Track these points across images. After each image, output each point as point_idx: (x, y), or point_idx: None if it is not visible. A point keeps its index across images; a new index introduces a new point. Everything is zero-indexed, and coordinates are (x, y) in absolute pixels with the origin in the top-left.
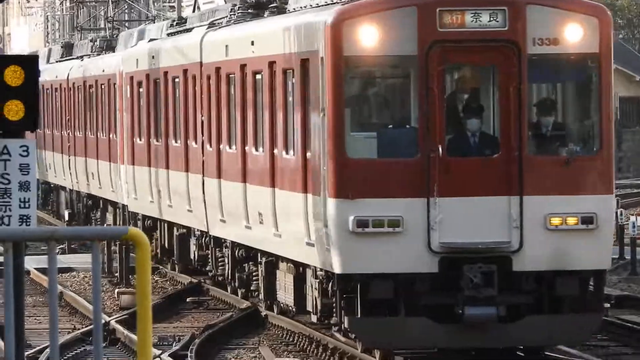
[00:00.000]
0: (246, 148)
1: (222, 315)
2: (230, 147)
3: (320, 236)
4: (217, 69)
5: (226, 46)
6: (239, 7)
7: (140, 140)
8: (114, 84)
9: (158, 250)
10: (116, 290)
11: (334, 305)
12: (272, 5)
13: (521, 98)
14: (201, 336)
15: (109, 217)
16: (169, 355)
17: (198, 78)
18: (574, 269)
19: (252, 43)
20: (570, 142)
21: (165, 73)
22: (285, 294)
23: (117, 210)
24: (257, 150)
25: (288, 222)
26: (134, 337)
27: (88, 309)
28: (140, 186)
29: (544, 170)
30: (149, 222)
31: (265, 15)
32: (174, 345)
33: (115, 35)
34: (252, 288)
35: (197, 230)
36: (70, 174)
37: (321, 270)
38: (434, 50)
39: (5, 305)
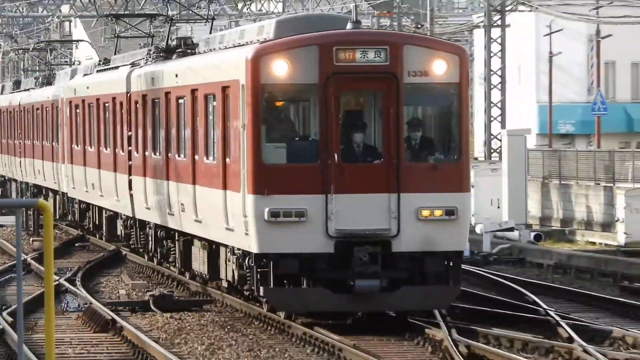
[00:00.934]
0: (169, 154)
1: (97, 255)
2: (155, 154)
3: (239, 223)
4: (144, 96)
5: (152, 78)
6: (153, 52)
7: (77, 146)
8: (57, 107)
9: (90, 225)
10: (31, 239)
11: (248, 276)
12: (178, 50)
13: (398, 118)
14: (84, 268)
15: (50, 200)
16: (65, 280)
17: (125, 103)
18: (438, 250)
19: (176, 75)
20: (437, 152)
21: (98, 99)
22: (200, 265)
23: (57, 195)
24: (179, 156)
25: (208, 211)
26: (42, 268)
27: (13, 251)
28: (77, 179)
29: (416, 173)
30: (83, 205)
31: (173, 57)
32: (67, 273)
33: (52, 74)
34: (170, 259)
35: (124, 214)
36: (21, 170)
37: (239, 249)
38: (331, 80)
39: None
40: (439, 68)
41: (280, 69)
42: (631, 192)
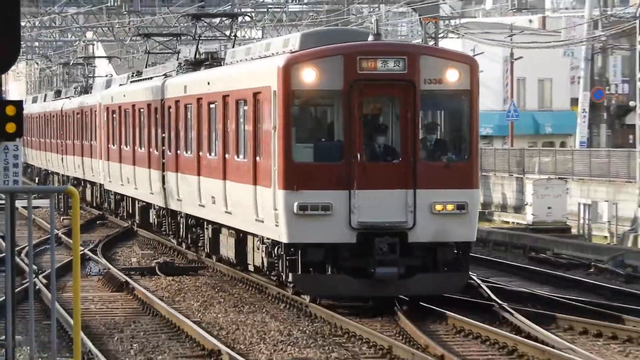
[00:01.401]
0: (200, 153)
1: (114, 231)
2: (186, 153)
3: (269, 215)
4: (176, 102)
5: (184, 86)
6: (183, 64)
7: (113, 146)
8: (95, 111)
9: (124, 214)
10: (62, 217)
11: (276, 264)
12: (206, 62)
13: (415, 121)
14: (104, 240)
15: (88, 191)
16: (88, 250)
17: (159, 109)
18: (450, 241)
19: (208, 83)
20: (449, 152)
21: (133, 105)
22: (228, 251)
23: (94, 187)
24: (210, 154)
25: (238, 204)
26: (70, 240)
27: (48, 227)
28: (113, 174)
29: (431, 171)
30: (118, 196)
31: (201, 69)
32: (90, 244)
33: (90, 85)
34: (199, 245)
35: (157, 205)
36: (63, 165)
37: (268, 239)
38: (355, 86)
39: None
40: (452, 76)
41: (308, 76)
42: (537, 182)
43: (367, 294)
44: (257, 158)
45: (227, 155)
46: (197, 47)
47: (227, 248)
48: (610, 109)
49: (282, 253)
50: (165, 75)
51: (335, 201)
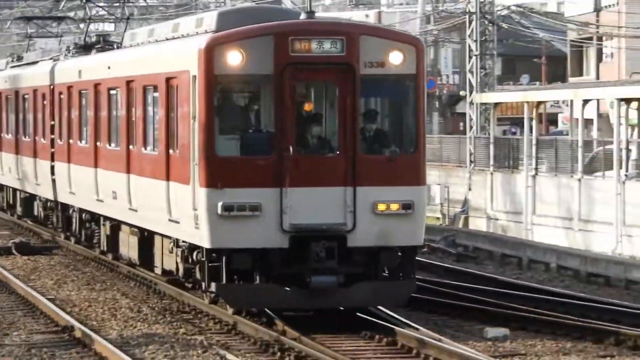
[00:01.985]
0: (98, 143)
1: None
2: (80, 142)
3: (187, 216)
4: (69, 87)
5: (79, 71)
6: (73, 48)
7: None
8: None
9: (4, 204)
10: None
11: (194, 270)
12: (98, 46)
13: (355, 109)
14: None
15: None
16: None
17: (48, 95)
18: (394, 245)
19: (109, 67)
20: (393, 144)
21: (17, 91)
22: (130, 251)
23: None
24: (110, 145)
25: (145, 201)
26: None
27: None
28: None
29: (372, 166)
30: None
31: (93, 52)
32: None
33: None
34: (94, 241)
35: (43, 197)
36: None
37: (184, 242)
38: (287, 70)
39: None
40: (396, 59)
41: (234, 59)
42: None
43: (302, 306)
44: (171, 151)
45: (131, 147)
46: (86, 31)
47: (129, 247)
48: (442, 98)
49: (202, 259)
50: (53, 60)
51: (264, 201)
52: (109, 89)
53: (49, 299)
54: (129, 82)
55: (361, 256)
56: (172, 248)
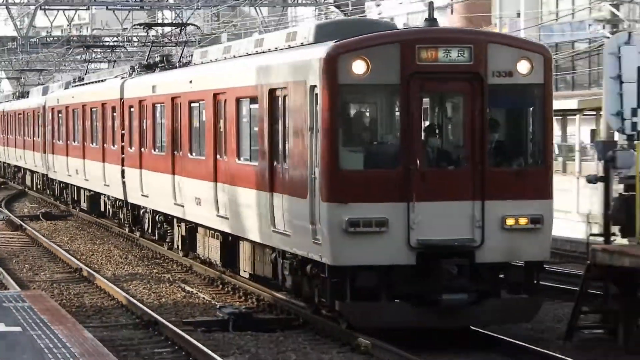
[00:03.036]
0: (176, 152)
1: (13, 192)
2: (155, 151)
3: (304, 230)
4: (141, 101)
5: (153, 86)
6: (137, 67)
7: (59, 141)
8: (38, 113)
9: (69, 199)
10: None
11: (303, 282)
12: (160, 65)
13: (483, 121)
14: (6, 198)
15: (28, 178)
16: None
17: (118, 108)
18: (522, 261)
19: (190, 82)
20: (521, 157)
21: (84, 105)
22: (208, 251)
23: (35, 175)
24: (191, 154)
25: (236, 209)
26: None
27: None
28: (58, 166)
29: (501, 179)
30: (62, 184)
31: (156, 71)
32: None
33: (26, 92)
34: (167, 240)
35: (112, 196)
36: (7, 156)
37: (292, 254)
38: (413, 80)
39: None
40: (524, 68)
41: (359, 68)
42: None
43: (431, 325)
44: (275, 163)
45: (219, 157)
46: (149, 52)
47: (208, 249)
48: None
49: (323, 275)
50: (122, 77)
51: (390, 216)
52: (190, 102)
53: (65, 250)
54: (216, 95)
55: (489, 272)
56: (273, 258)
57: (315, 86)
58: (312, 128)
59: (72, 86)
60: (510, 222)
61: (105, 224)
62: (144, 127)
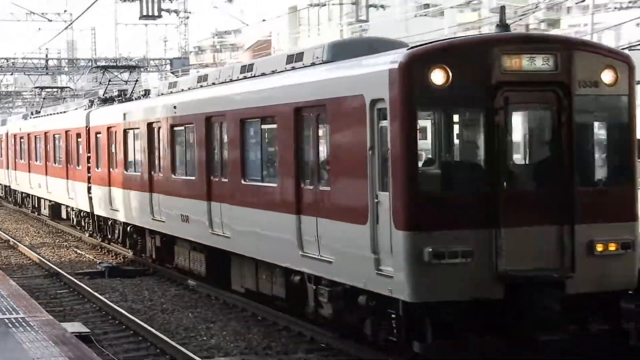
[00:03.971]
0: (174, 174)
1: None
2: (128, 171)
3: (361, 259)
4: (109, 128)
5: (124, 114)
6: (96, 101)
7: (22, 160)
8: (2, 139)
9: (34, 204)
10: None
11: (360, 316)
12: (118, 98)
13: (571, 137)
14: None
15: (1, 191)
16: None
17: (84, 134)
18: (612, 289)
19: (174, 107)
20: (607, 175)
21: (45, 133)
22: (192, 263)
23: (5, 187)
24: (174, 174)
25: (243, 229)
26: None
27: None
28: (20, 179)
29: (589, 201)
30: (24, 194)
31: (115, 103)
32: None
33: None
34: (137, 248)
35: (77, 208)
36: None
37: (329, 281)
38: (498, 91)
39: None
40: (609, 78)
41: (438, 78)
42: None
43: None
44: (307, 185)
45: (212, 177)
46: (106, 87)
47: (191, 261)
48: None
49: (400, 313)
50: (86, 108)
51: (475, 244)
52: (173, 126)
53: None
54: (209, 118)
55: (579, 303)
56: (297, 281)
57: (378, 100)
58: (372, 147)
59: (32, 117)
60: (599, 247)
61: (24, 212)
62: (113, 150)
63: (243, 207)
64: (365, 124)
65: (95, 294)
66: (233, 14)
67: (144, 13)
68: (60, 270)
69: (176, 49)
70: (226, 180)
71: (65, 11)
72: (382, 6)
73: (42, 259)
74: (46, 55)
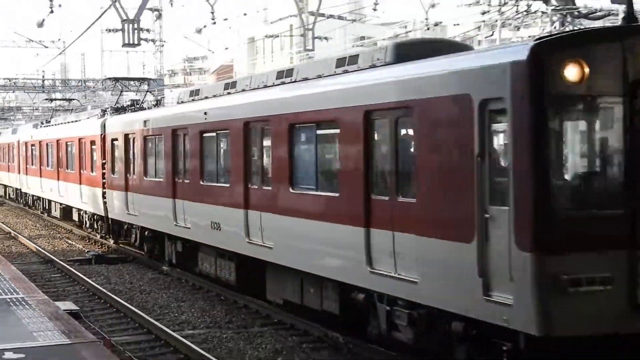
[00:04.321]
0: (177, 179)
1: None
2: (149, 177)
3: (466, 282)
4: (126, 135)
5: (145, 121)
6: (109, 110)
7: (33, 166)
8: (14, 146)
9: (44, 206)
10: None
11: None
12: (130, 107)
13: None
14: None
15: (12, 193)
16: None
17: (99, 141)
18: None
19: (205, 113)
20: None
21: (58, 140)
22: (220, 270)
23: (17, 190)
24: (203, 181)
25: (286, 241)
26: None
27: None
28: (31, 183)
29: None
30: (35, 197)
31: (126, 112)
32: None
33: None
34: (155, 252)
35: (90, 211)
36: None
37: (407, 303)
38: (638, 90)
39: None
40: None
41: (573, 74)
42: None
43: None
44: (378, 195)
45: (251, 185)
46: (118, 98)
47: (218, 268)
48: None
49: (504, 345)
50: (99, 117)
51: (614, 270)
52: (202, 133)
53: (1, 222)
54: (247, 123)
55: None
56: (360, 299)
57: (493, 100)
58: (482, 154)
59: (43, 127)
60: None
61: (24, 209)
62: (131, 157)
63: (291, 217)
64: (471, 127)
65: (84, 277)
66: (201, 43)
67: (126, 41)
68: (54, 258)
69: (153, 72)
70: (269, 188)
71: (59, 39)
72: (325, 38)
73: (39, 248)
74: (43, 76)
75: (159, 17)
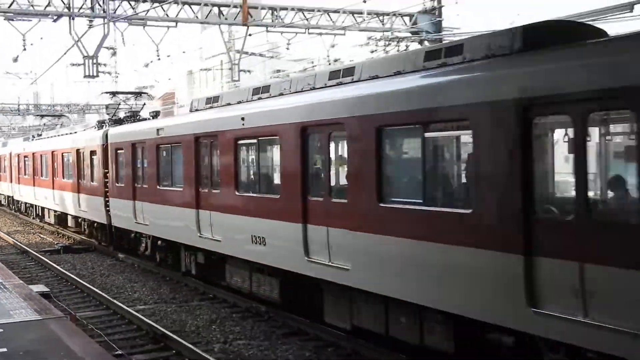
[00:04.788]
0: (205, 189)
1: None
2: (162, 186)
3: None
4: (134, 144)
5: (157, 129)
6: (109, 120)
7: (25, 176)
8: (6, 158)
9: (38, 213)
10: None
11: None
12: (129, 118)
13: None
14: None
15: (3, 200)
16: None
17: (99, 151)
18: None
19: (242, 118)
20: None
21: (53, 152)
22: (259, 287)
23: (8, 197)
24: (246, 191)
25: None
26: None
27: None
28: (24, 192)
29: None
30: (28, 205)
31: (126, 123)
32: None
33: None
34: (169, 262)
35: (90, 219)
36: None
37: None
38: None
39: None
40: None
41: None
42: None
43: None
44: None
45: (311, 197)
46: (116, 109)
47: (256, 284)
48: None
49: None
50: (98, 128)
51: None
52: (237, 140)
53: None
54: (305, 128)
55: None
56: (415, 316)
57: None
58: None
59: (35, 139)
60: None
61: (13, 214)
62: (139, 165)
63: (380, 235)
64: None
65: (54, 264)
66: (148, 75)
67: (87, 74)
68: (28, 249)
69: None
70: (343, 201)
71: (31, 71)
72: (249, 71)
73: (16, 241)
74: (18, 102)
75: (114, 54)
